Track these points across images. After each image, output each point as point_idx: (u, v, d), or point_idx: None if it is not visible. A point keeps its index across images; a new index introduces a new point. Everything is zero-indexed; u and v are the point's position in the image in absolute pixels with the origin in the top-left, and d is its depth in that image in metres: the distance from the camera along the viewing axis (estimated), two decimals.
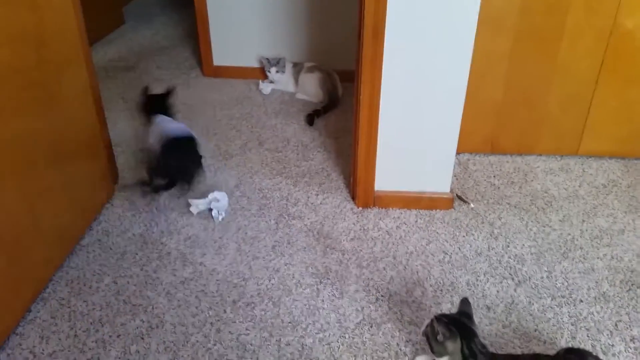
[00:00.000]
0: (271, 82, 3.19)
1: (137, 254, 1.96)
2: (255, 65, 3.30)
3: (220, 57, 3.32)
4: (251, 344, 1.63)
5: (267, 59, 3.12)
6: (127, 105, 3.00)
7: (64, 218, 1.87)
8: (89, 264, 1.92)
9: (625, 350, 1.63)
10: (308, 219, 2.15)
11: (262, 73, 3.26)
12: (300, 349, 1.62)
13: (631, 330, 1.70)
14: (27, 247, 1.67)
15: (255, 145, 2.64)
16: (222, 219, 2.14)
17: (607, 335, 1.68)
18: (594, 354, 1.52)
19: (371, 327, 1.69)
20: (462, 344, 1.41)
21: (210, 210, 2.16)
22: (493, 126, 2.49)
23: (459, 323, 1.45)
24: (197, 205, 2.17)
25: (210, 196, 2.18)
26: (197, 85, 3.25)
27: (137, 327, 1.68)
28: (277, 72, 3.10)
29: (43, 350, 1.60)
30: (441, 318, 1.45)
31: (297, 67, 3.14)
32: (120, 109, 2.96)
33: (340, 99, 3.04)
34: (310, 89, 3.05)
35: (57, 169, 1.82)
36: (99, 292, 1.80)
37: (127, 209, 2.19)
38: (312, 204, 2.23)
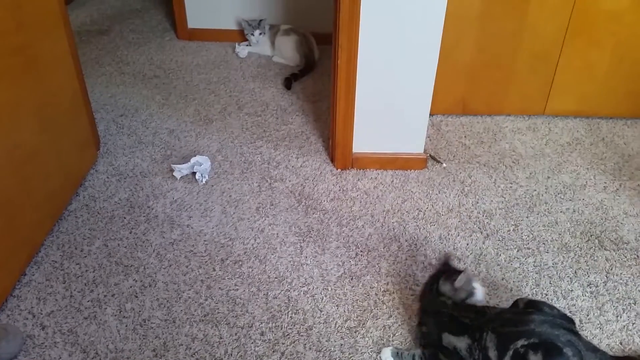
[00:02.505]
0: (248, 44, 3.20)
1: (125, 218, 2.03)
2: (231, 27, 3.30)
3: (195, 19, 3.30)
4: (240, 298, 1.73)
5: (247, 21, 3.11)
6: (103, 70, 3.00)
7: (51, 183, 1.91)
8: (79, 228, 1.98)
9: (582, 295, 1.79)
10: (289, 181, 2.23)
11: (238, 36, 3.27)
12: (286, 301, 1.73)
13: (588, 276, 1.86)
14: (18, 211, 1.72)
15: (235, 109, 2.69)
16: (206, 181, 2.21)
17: (568, 281, 1.84)
18: (553, 301, 1.68)
19: (352, 279, 1.82)
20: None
21: (194, 174, 2.22)
22: (464, 88, 2.59)
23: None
24: (180, 169, 2.23)
25: (193, 160, 2.24)
26: (172, 49, 3.24)
27: (131, 286, 1.76)
28: (260, 34, 3.10)
29: (41, 310, 1.68)
30: (441, 274, 1.59)
31: (274, 30, 3.15)
32: (96, 75, 2.95)
33: (317, 62, 3.08)
34: (287, 52, 3.08)
35: (43, 134, 1.85)
36: (91, 254, 1.87)
37: (111, 174, 2.24)
38: (292, 166, 2.32)
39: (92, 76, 2.91)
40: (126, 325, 1.64)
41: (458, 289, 1.54)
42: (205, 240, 1.94)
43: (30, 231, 1.81)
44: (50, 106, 1.90)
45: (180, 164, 2.25)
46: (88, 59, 3.07)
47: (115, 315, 1.67)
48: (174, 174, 2.22)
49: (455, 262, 1.66)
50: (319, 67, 3.06)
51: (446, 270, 1.61)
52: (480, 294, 1.57)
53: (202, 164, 2.23)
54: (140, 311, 1.68)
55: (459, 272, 1.56)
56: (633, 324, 1.70)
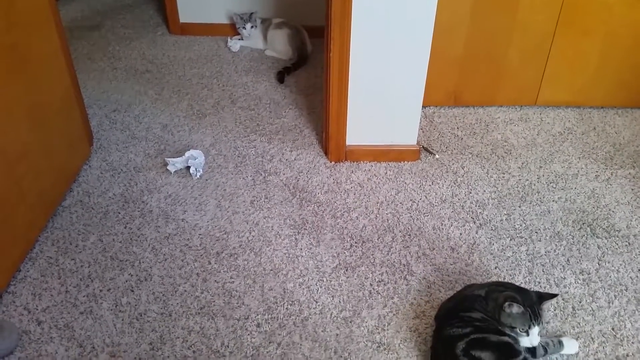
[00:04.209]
0: (240, 38, 3.20)
1: (119, 213, 2.03)
2: (223, 21, 3.29)
3: (186, 14, 3.29)
4: (236, 291, 1.74)
5: (238, 15, 3.10)
6: (95, 65, 2.98)
7: (44, 180, 1.91)
8: (73, 224, 1.98)
9: (575, 282, 1.81)
10: (283, 174, 2.24)
11: (230, 30, 3.27)
12: (282, 292, 1.74)
13: (581, 264, 1.88)
14: (11, 209, 1.72)
15: (228, 103, 2.69)
16: (200, 175, 2.21)
17: (560, 269, 1.86)
18: (546, 289, 1.70)
19: (346, 270, 1.83)
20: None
21: (188, 168, 2.23)
22: (456, 80, 2.59)
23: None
24: (174, 163, 2.23)
25: (187, 154, 2.24)
26: (164, 44, 3.23)
27: (126, 281, 1.77)
28: (252, 27, 3.10)
29: (37, 306, 1.68)
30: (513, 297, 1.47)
31: (266, 23, 3.14)
32: (88, 70, 2.94)
33: (310, 56, 3.08)
34: (279, 45, 3.07)
35: (35, 131, 1.84)
36: (86, 250, 1.88)
37: (105, 169, 2.24)
38: (286, 159, 2.32)
39: (84, 72, 2.90)
40: (122, 320, 1.65)
41: (504, 312, 1.44)
42: (200, 234, 1.95)
43: (24, 227, 1.81)
44: (42, 103, 1.89)
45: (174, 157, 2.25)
46: (80, 55, 3.06)
47: (112, 310, 1.67)
48: (168, 167, 2.22)
49: (545, 304, 1.52)
50: (311, 60, 3.06)
51: (526, 296, 1.47)
52: (527, 341, 1.44)
53: (196, 158, 2.23)
54: (136, 305, 1.69)
55: (527, 304, 1.44)
56: (624, 309, 1.72)
